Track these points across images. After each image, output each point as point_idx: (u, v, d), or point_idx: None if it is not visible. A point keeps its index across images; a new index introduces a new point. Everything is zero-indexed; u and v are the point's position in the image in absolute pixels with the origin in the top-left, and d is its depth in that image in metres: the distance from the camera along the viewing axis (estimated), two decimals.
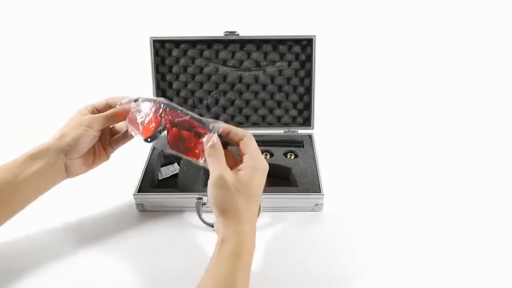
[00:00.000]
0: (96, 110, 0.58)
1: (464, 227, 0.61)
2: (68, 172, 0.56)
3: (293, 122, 0.79)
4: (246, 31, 0.73)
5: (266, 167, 0.50)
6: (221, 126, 0.51)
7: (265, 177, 0.50)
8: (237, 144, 0.52)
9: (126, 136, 0.61)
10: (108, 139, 0.61)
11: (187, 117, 0.52)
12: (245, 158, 0.49)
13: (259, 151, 0.51)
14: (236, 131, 0.51)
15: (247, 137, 0.51)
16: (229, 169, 0.48)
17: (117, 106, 0.57)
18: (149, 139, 0.53)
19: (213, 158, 0.49)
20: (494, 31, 1.21)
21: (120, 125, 0.62)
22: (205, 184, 0.66)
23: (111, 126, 0.61)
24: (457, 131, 0.84)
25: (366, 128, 0.86)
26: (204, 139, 0.50)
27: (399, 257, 0.56)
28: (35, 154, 0.53)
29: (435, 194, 0.68)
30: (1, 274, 0.54)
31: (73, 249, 0.58)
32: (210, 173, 0.48)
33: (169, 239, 0.60)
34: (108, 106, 0.58)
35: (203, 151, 0.50)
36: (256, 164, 0.49)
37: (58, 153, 0.54)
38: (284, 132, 0.78)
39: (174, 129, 0.53)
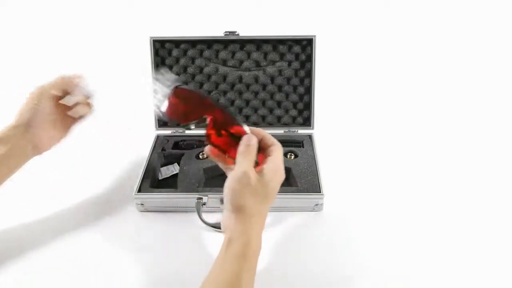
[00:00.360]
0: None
1: (464, 227, 0.61)
2: (34, 148, 0.57)
3: (293, 122, 0.79)
4: (246, 31, 0.73)
5: (283, 177, 0.50)
6: (257, 129, 0.51)
7: (280, 184, 0.50)
8: (264, 149, 0.51)
9: (84, 108, 0.60)
10: (65, 111, 0.60)
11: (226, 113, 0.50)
12: (269, 160, 0.49)
13: (283, 161, 0.50)
14: (269, 137, 0.51)
15: (276, 145, 0.51)
16: (254, 170, 0.47)
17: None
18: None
19: (244, 156, 0.48)
20: (494, 31, 1.21)
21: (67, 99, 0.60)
22: (205, 184, 0.66)
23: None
24: (457, 131, 0.84)
25: (366, 128, 0.86)
26: (244, 138, 0.48)
27: (399, 257, 0.56)
28: (1, 139, 0.54)
29: (435, 193, 0.68)
30: (1, 275, 0.54)
31: (73, 249, 0.58)
32: (236, 168, 0.47)
33: (169, 239, 0.60)
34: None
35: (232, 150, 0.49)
36: (278, 170, 0.49)
37: (20, 131, 0.55)
38: (284, 132, 0.78)
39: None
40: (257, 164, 0.49)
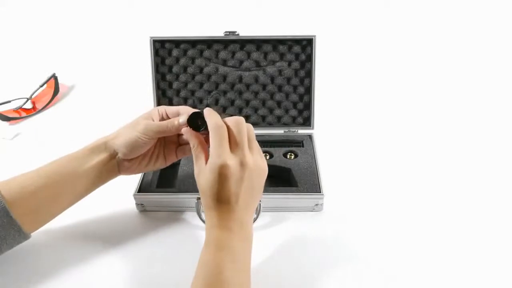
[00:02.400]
0: (166, 116, 0.57)
1: (465, 227, 0.61)
2: (121, 170, 0.57)
3: (293, 122, 0.79)
4: (246, 31, 0.73)
5: (216, 165, 0.46)
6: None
7: (213, 174, 0.47)
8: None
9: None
10: (173, 147, 0.60)
11: None
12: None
13: (218, 147, 0.47)
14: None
15: (212, 130, 0.48)
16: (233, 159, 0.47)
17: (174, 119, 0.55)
18: None
19: (217, 141, 0.47)
20: (494, 31, 1.21)
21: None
22: None
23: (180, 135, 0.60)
24: (457, 130, 0.84)
25: (366, 128, 0.86)
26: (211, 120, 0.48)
27: (400, 257, 0.56)
28: (94, 148, 0.55)
29: (436, 193, 0.68)
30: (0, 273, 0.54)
31: (73, 249, 0.58)
32: (212, 158, 0.47)
33: (169, 239, 0.60)
34: (177, 115, 0.56)
35: None
36: (211, 163, 0.47)
37: (111, 151, 0.55)
38: (284, 132, 0.78)
39: None
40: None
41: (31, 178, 0.51)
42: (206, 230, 0.48)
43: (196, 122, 0.52)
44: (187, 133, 0.51)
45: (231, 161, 0.46)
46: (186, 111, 0.55)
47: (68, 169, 0.53)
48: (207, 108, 0.50)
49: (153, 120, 0.56)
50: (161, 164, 0.60)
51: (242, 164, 0.47)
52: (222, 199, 0.46)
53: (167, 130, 0.54)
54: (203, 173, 0.47)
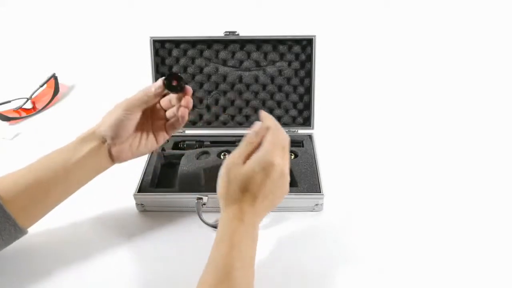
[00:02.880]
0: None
1: (466, 228, 0.61)
2: (113, 157, 0.57)
3: (293, 122, 0.79)
4: (246, 31, 0.73)
5: (273, 165, 0.47)
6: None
7: (270, 176, 0.48)
8: None
9: (180, 120, 0.58)
10: (161, 124, 0.60)
11: None
12: (259, 149, 0.50)
13: (278, 148, 0.49)
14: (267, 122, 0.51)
15: (270, 131, 0.50)
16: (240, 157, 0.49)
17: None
18: None
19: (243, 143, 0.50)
20: (494, 31, 1.21)
21: (175, 110, 0.60)
22: (205, 184, 0.66)
23: (166, 111, 0.61)
24: (458, 130, 0.84)
25: (366, 128, 0.86)
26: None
27: (400, 257, 0.56)
28: (84, 137, 0.55)
29: (436, 193, 0.68)
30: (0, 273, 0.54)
31: (72, 249, 0.58)
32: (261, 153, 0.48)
33: (169, 239, 0.60)
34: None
35: None
36: (263, 160, 0.48)
37: (100, 138, 0.55)
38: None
39: None
40: None
41: (22, 174, 0.52)
42: (220, 225, 0.47)
43: (172, 84, 0.53)
44: (262, 117, 0.51)
45: (278, 165, 0.47)
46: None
47: (58, 162, 0.53)
48: (263, 112, 0.52)
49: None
50: (152, 145, 0.60)
51: (282, 173, 0.48)
52: (250, 191, 0.47)
53: (147, 98, 0.55)
54: (240, 164, 0.48)
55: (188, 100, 0.58)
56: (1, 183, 0.51)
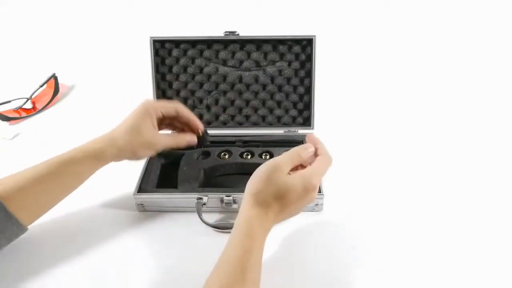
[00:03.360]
0: (162, 116, 0.62)
1: (467, 229, 0.61)
2: (118, 157, 0.61)
3: (293, 122, 0.79)
4: (246, 31, 0.73)
5: (311, 191, 0.50)
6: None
7: (305, 199, 0.50)
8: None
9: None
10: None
11: None
12: (308, 167, 0.53)
13: (322, 176, 0.52)
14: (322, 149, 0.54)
15: (326, 156, 0.53)
16: (289, 166, 0.52)
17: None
18: None
19: (291, 152, 0.52)
20: (494, 31, 1.21)
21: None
22: (205, 184, 0.66)
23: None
24: (458, 130, 0.84)
25: (367, 128, 0.86)
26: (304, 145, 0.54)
27: (400, 257, 0.56)
28: (97, 156, 0.58)
29: (436, 193, 0.68)
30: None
31: (72, 249, 0.58)
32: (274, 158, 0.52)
33: (169, 240, 0.60)
34: (175, 116, 0.64)
35: None
36: (308, 178, 0.50)
37: (113, 159, 0.60)
38: (284, 132, 0.78)
39: None
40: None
41: (26, 178, 0.54)
42: (240, 224, 0.47)
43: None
44: (311, 140, 0.55)
45: (315, 191, 0.50)
46: (181, 109, 0.63)
47: (65, 172, 0.56)
48: (310, 136, 0.55)
49: (153, 123, 0.61)
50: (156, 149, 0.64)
51: (312, 198, 0.50)
52: (283, 203, 0.48)
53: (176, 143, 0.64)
54: (284, 172, 0.49)
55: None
56: (3, 183, 0.52)
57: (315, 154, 0.53)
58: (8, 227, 0.52)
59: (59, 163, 0.56)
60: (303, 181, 0.48)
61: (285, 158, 0.50)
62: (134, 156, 0.60)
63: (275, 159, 0.50)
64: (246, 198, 0.49)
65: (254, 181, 0.49)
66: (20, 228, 0.53)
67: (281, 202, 0.48)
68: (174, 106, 0.63)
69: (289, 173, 0.49)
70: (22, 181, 0.53)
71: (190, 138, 0.65)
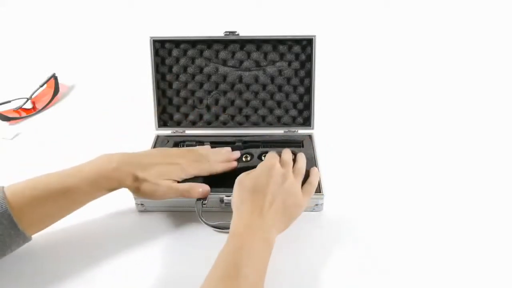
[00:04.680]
0: None
1: (466, 228, 0.61)
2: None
3: (293, 122, 0.79)
4: (246, 31, 0.73)
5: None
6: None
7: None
8: None
9: None
10: None
11: None
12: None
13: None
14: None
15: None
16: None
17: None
18: None
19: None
20: (494, 31, 1.21)
21: None
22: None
23: None
24: (458, 131, 0.84)
25: (367, 128, 0.86)
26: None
27: (400, 257, 0.56)
28: (110, 189, 0.56)
29: (436, 193, 0.68)
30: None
31: (72, 248, 0.58)
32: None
33: (169, 239, 0.60)
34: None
35: None
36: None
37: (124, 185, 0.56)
38: (284, 132, 0.78)
39: None
40: None
41: (38, 185, 0.52)
42: (231, 224, 0.51)
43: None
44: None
45: (278, 168, 0.56)
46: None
47: (77, 198, 0.54)
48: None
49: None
50: None
51: (285, 176, 0.55)
52: (258, 191, 0.53)
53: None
54: (246, 173, 0.57)
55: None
56: (15, 191, 0.50)
57: None
58: (15, 241, 0.50)
59: (73, 184, 0.53)
60: (261, 165, 0.57)
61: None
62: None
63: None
64: (233, 213, 0.53)
65: (233, 196, 0.55)
66: (26, 240, 0.52)
67: (257, 192, 0.53)
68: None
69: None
70: (35, 192, 0.51)
71: (202, 189, 0.60)
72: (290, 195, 0.54)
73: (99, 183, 0.54)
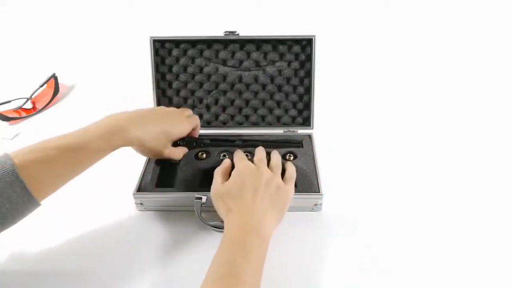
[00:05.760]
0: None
1: (466, 228, 0.61)
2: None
3: (293, 122, 0.79)
4: (246, 31, 0.73)
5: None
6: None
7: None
8: None
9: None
10: None
11: None
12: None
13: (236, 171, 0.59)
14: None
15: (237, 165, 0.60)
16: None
17: None
18: None
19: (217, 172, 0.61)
20: (494, 31, 1.21)
21: None
22: (205, 184, 0.66)
23: None
24: (458, 131, 0.84)
25: (366, 128, 0.86)
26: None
27: (399, 257, 0.56)
28: (113, 146, 0.58)
29: (435, 193, 0.68)
30: None
31: (71, 248, 0.58)
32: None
33: (168, 239, 0.60)
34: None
35: None
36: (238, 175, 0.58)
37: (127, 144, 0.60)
38: (284, 132, 0.78)
39: None
40: None
41: (46, 146, 0.53)
42: (225, 232, 0.51)
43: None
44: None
45: (253, 167, 0.58)
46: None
47: (81, 156, 0.55)
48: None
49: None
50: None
51: (260, 171, 0.56)
52: (239, 192, 0.54)
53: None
54: (219, 184, 0.58)
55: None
56: (20, 156, 0.51)
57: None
58: (25, 205, 0.50)
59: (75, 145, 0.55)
60: (233, 172, 0.58)
61: (214, 181, 0.59)
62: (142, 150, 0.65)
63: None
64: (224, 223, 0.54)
65: (218, 210, 0.56)
66: (32, 201, 0.51)
67: (238, 196, 0.54)
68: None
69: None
70: (44, 153, 0.52)
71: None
72: (271, 186, 0.55)
73: (106, 138, 0.56)
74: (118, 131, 0.58)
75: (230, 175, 0.58)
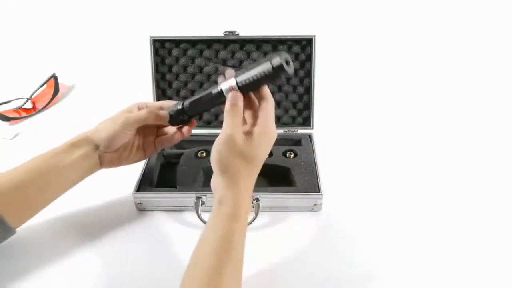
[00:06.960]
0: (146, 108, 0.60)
1: (465, 228, 0.61)
2: (102, 164, 0.59)
3: (293, 122, 0.79)
4: (246, 31, 0.73)
5: (275, 137, 0.51)
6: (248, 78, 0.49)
7: (271, 146, 0.51)
8: (253, 103, 0.52)
9: (172, 140, 0.62)
10: (152, 139, 0.63)
11: None
12: (258, 121, 0.49)
13: (274, 118, 0.51)
14: (264, 90, 0.51)
15: (267, 100, 0.50)
16: (241, 132, 0.48)
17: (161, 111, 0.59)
18: None
19: (230, 116, 0.48)
20: (494, 31, 1.21)
21: (168, 129, 0.63)
22: (204, 183, 0.66)
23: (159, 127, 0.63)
24: (457, 131, 0.84)
25: (366, 128, 0.86)
26: (230, 95, 0.49)
27: (399, 257, 0.56)
28: (75, 143, 0.56)
29: (435, 193, 0.68)
30: None
31: (71, 248, 0.58)
32: (223, 130, 0.48)
33: (167, 238, 0.60)
34: (160, 109, 0.60)
35: None
36: (267, 133, 0.50)
37: (93, 144, 0.57)
38: (284, 132, 0.78)
39: None
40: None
41: (15, 173, 0.53)
42: (216, 197, 0.47)
43: (179, 119, 0.59)
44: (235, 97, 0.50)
45: (239, 134, 0.48)
46: (168, 105, 0.60)
47: (49, 164, 0.54)
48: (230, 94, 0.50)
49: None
50: (140, 157, 0.63)
51: (274, 138, 0.51)
52: (252, 163, 0.48)
53: (147, 119, 0.58)
54: (243, 143, 0.48)
55: (189, 130, 0.61)
56: None
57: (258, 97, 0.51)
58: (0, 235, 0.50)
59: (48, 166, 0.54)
60: (264, 139, 0.49)
61: (232, 127, 0.48)
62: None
63: (226, 133, 0.47)
64: (220, 179, 0.48)
65: (221, 159, 0.47)
66: (7, 230, 0.51)
67: (250, 165, 0.48)
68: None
69: (247, 136, 0.48)
70: (11, 179, 0.51)
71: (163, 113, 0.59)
72: (257, 152, 0.49)
73: (75, 144, 0.56)
74: (80, 137, 0.57)
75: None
